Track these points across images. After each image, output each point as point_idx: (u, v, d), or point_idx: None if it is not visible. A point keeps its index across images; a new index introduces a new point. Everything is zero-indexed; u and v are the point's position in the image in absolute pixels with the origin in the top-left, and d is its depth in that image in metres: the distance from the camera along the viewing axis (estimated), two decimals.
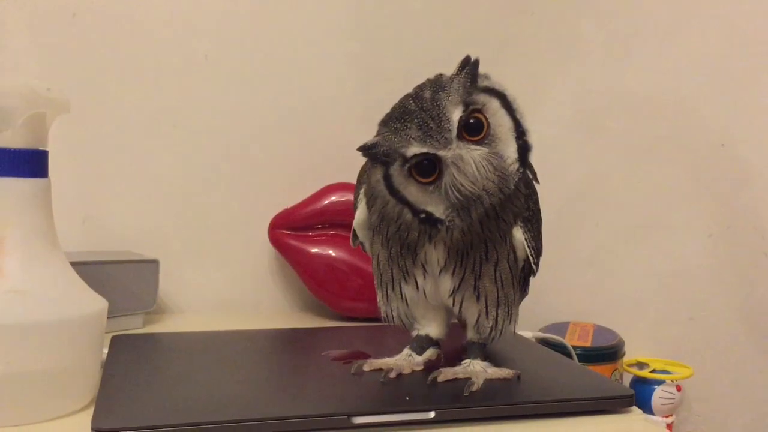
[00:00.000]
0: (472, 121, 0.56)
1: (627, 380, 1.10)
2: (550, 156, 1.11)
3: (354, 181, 0.96)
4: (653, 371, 1.08)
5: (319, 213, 0.95)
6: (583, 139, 1.13)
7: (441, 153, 0.55)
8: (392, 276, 0.63)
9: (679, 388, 1.07)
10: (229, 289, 0.99)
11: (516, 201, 0.59)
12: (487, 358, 0.64)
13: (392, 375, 0.62)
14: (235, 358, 0.70)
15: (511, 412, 0.58)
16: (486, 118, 0.57)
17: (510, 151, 0.57)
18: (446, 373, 0.61)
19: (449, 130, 0.55)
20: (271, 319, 0.94)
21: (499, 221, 0.59)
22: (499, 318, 0.62)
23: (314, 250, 0.94)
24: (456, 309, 0.63)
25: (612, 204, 1.15)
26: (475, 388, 0.59)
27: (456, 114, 0.56)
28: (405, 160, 0.56)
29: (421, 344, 0.66)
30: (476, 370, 0.62)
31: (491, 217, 0.58)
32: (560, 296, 1.13)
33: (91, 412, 0.54)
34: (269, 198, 0.98)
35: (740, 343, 1.21)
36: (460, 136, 0.56)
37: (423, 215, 0.57)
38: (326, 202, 0.95)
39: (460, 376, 0.61)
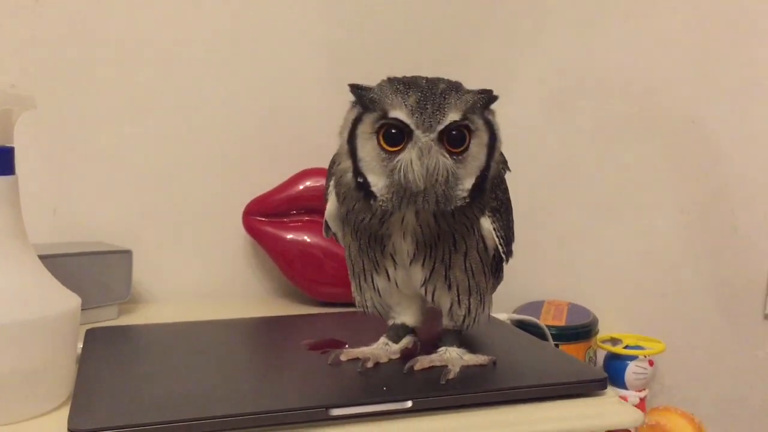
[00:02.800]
0: (455, 132, 0.57)
1: (601, 356, 1.11)
2: (522, 135, 1.12)
3: (326, 165, 0.96)
4: (626, 347, 1.10)
5: (293, 199, 0.94)
6: (554, 119, 1.14)
7: (417, 133, 0.55)
8: (363, 267, 0.64)
9: (651, 363, 1.09)
10: (203, 276, 0.98)
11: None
12: (462, 344, 0.65)
13: (369, 364, 0.62)
14: (211, 349, 0.70)
15: (487, 399, 0.58)
16: (469, 141, 0.58)
17: (468, 182, 0.58)
18: (423, 362, 0.62)
19: (439, 122, 0.55)
20: (248, 307, 0.94)
21: (462, 216, 0.59)
22: (471, 306, 0.63)
23: (289, 236, 0.94)
24: (429, 298, 0.63)
25: (584, 182, 1.16)
26: (451, 375, 0.60)
27: (453, 116, 0.56)
28: (383, 116, 0.56)
29: (398, 332, 0.66)
30: (452, 357, 0.63)
31: (454, 212, 0.58)
32: (535, 275, 1.14)
33: (66, 410, 0.53)
34: (243, 184, 0.97)
35: (711, 316, 1.24)
36: (440, 137, 0.56)
37: (360, 179, 0.58)
38: (301, 187, 0.95)
39: (437, 363, 0.62)
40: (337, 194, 0.63)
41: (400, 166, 0.56)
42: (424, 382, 0.59)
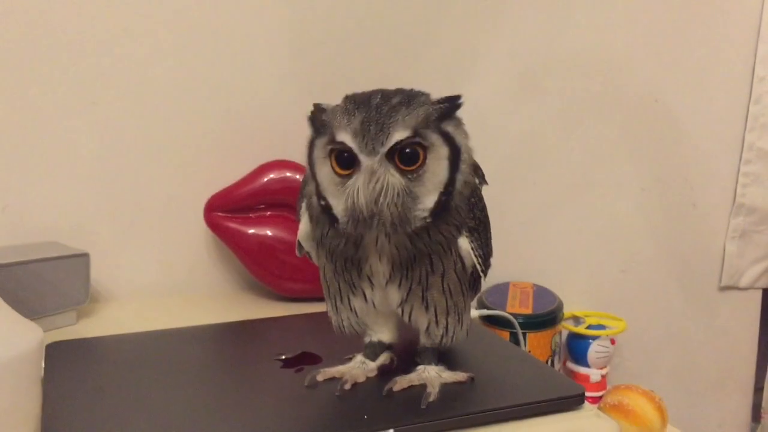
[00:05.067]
0: (408, 150, 0.55)
1: (564, 335, 1.13)
2: (487, 116, 1.10)
3: (290, 157, 0.93)
4: (589, 327, 1.11)
5: (257, 193, 0.92)
6: (518, 99, 1.12)
7: (361, 157, 0.54)
8: (339, 289, 0.62)
9: (613, 342, 1.11)
10: (165, 275, 0.95)
11: (456, 214, 0.58)
12: (440, 360, 0.64)
13: (347, 386, 0.61)
14: (179, 369, 0.67)
15: (469, 422, 0.58)
16: (424, 158, 0.55)
17: (429, 200, 0.56)
18: (401, 382, 0.61)
19: (382, 144, 0.54)
20: (212, 306, 0.91)
21: (438, 235, 0.58)
22: (449, 326, 0.62)
23: (252, 231, 0.91)
24: (405, 318, 0.62)
25: (548, 162, 1.16)
26: (431, 398, 0.59)
27: (398, 135, 0.54)
28: (332, 140, 0.55)
29: (374, 350, 0.65)
30: (431, 376, 0.62)
31: (429, 232, 0.57)
32: (500, 256, 1.12)
33: None
34: (204, 178, 0.93)
35: (669, 291, 1.26)
36: (390, 156, 0.54)
37: (323, 202, 0.57)
38: (265, 180, 0.92)
39: (415, 383, 0.61)
40: (310, 216, 0.61)
41: (350, 191, 0.55)
42: (404, 405, 0.59)
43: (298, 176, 0.90)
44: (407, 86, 0.59)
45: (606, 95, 1.16)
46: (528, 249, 1.16)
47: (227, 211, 0.92)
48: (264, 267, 0.92)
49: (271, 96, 0.96)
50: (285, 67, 0.97)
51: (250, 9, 0.95)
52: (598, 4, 1.12)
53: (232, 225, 0.91)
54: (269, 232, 0.91)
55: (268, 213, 0.92)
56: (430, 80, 1.05)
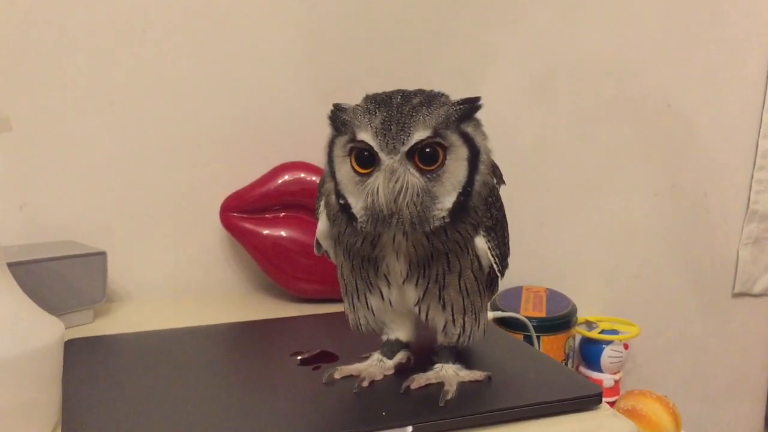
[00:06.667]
0: (428, 150, 0.55)
1: (577, 340, 1.13)
2: (501, 119, 1.10)
3: (305, 158, 0.94)
4: (602, 331, 1.11)
5: (272, 194, 0.92)
6: (532, 102, 1.12)
7: (381, 155, 0.54)
8: (357, 287, 0.62)
9: (626, 347, 1.11)
10: (180, 274, 0.96)
11: (473, 214, 0.58)
12: (457, 358, 0.64)
13: (365, 384, 0.61)
14: (196, 366, 0.68)
15: (487, 420, 0.58)
16: (444, 158, 0.56)
17: (447, 200, 0.56)
18: (419, 380, 0.61)
19: (402, 143, 0.54)
20: (227, 306, 0.92)
21: (455, 234, 0.58)
22: (466, 325, 0.62)
23: (267, 232, 0.92)
24: (422, 317, 0.62)
25: (561, 166, 1.16)
26: (450, 396, 0.59)
27: (419, 135, 0.54)
28: (352, 138, 0.56)
29: (392, 348, 0.65)
30: (448, 374, 0.62)
31: (447, 231, 0.57)
32: (513, 260, 1.13)
33: None
34: (219, 178, 0.94)
35: (682, 297, 1.26)
36: (410, 156, 0.55)
37: (342, 201, 0.57)
38: (279, 181, 0.92)
39: (433, 381, 0.61)
40: (328, 214, 0.61)
41: (370, 189, 0.55)
42: (423, 402, 0.59)
43: (313, 178, 0.91)
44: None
45: (619, 99, 1.16)
46: (541, 253, 1.16)
47: (242, 211, 0.92)
48: (278, 267, 0.92)
49: (286, 98, 0.97)
50: (301, 69, 0.97)
51: (266, 10, 0.95)
52: (612, 7, 1.13)
53: (248, 226, 0.92)
54: (284, 233, 0.92)
55: (283, 214, 0.93)
56: (444, 82, 1.05)
